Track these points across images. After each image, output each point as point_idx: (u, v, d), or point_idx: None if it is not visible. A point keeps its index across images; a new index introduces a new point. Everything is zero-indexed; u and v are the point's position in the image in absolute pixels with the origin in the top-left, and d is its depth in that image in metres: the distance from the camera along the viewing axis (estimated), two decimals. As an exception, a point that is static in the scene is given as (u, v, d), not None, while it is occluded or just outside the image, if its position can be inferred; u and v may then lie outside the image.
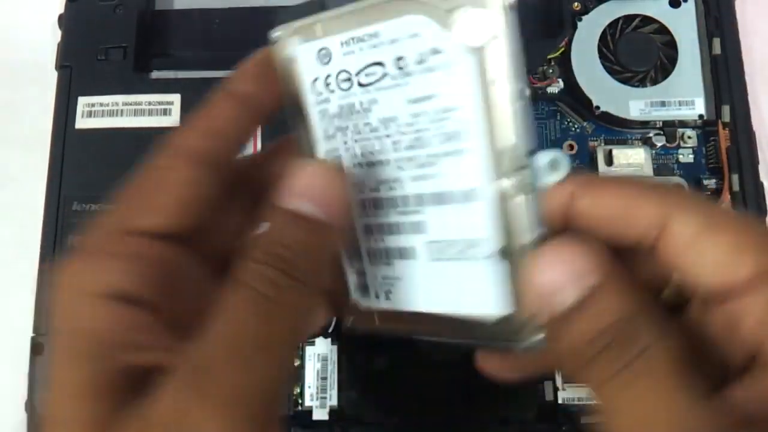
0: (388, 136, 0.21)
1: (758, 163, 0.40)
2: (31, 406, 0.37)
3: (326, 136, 0.21)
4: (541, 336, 0.19)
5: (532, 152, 0.19)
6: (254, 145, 0.40)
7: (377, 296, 0.23)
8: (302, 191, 0.18)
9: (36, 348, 0.38)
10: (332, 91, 0.21)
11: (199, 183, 0.19)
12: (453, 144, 0.20)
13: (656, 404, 0.16)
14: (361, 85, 0.20)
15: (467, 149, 0.19)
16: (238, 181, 0.21)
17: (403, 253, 0.22)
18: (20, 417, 0.38)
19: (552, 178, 0.19)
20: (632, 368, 0.16)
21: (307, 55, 0.21)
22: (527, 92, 0.19)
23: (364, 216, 0.22)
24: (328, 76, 0.21)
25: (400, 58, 0.20)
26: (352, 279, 0.23)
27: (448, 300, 0.21)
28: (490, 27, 0.19)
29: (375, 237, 0.22)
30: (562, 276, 0.17)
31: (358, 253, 0.22)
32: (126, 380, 0.17)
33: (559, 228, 0.19)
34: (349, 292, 0.23)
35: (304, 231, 0.18)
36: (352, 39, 0.20)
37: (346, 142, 0.21)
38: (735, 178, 0.39)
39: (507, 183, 0.19)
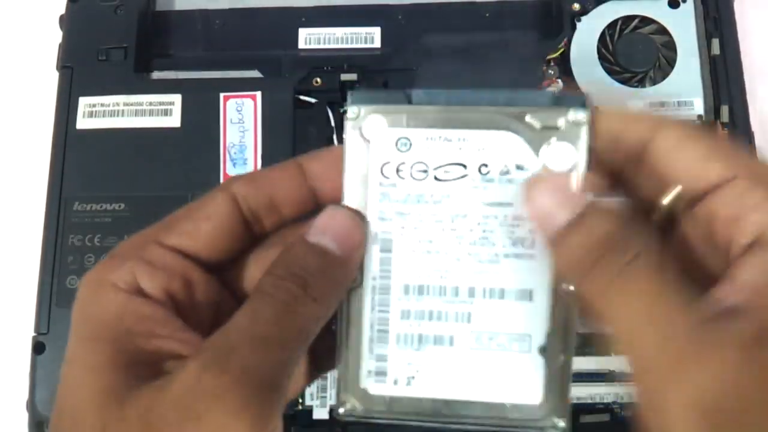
0: (453, 230, 0.22)
1: (757, 163, 0.40)
2: (32, 406, 0.37)
3: (381, 218, 0.23)
4: (562, 424, 0.22)
5: None
6: (254, 164, 0.40)
7: (396, 382, 0.23)
8: (325, 229, 0.21)
9: (37, 348, 0.38)
10: (402, 178, 0.22)
11: (233, 221, 0.22)
12: (519, 249, 0.22)
13: (648, 307, 0.18)
14: (437, 179, 0.22)
15: (532, 255, 0.22)
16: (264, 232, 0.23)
17: (440, 340, 0.23)
18: (21, 417, 0.38)
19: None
20: (625, 274, 0.18)
21: (387, 139, 0.22)
22: None
23: (403, 300, 0.23)
24: (402, 163, 0.22)
25: (484, 165, 0.22)
26: (367, 365, 0.23)
27: (476, 388, 0.23)
28: (573, 159, 0.21)
29: (411, 322, 0.23)
30: (554, 199, 0.20)
31: (385, 336, 0.23)
32: (143, 362, 0.19)
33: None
34: (358, 379, 0.23)
35: (321, 259, 0.21)
36: (439, 137, 0.22)
37: (404, 227, 0.23)
38: (734, 178, 0.39)
39: (560, 290, 0.22)
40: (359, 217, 0.22)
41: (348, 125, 0.22)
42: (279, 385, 0.19)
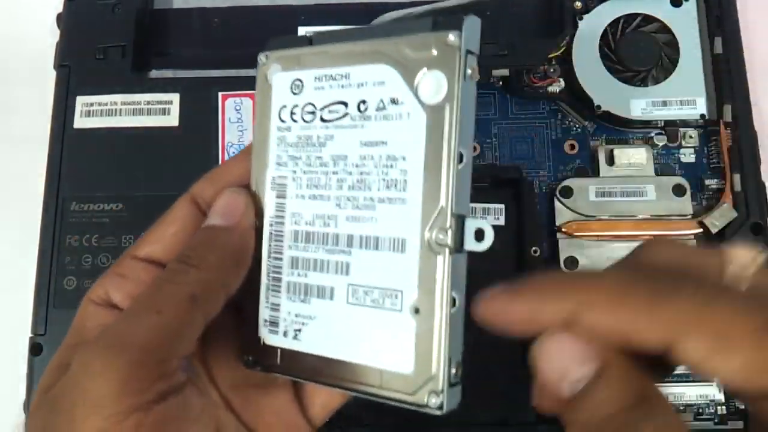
0: (335, 173, 0.22)
1: (760, 162, 0.39)
2: (29, 407, 0.37)
3: (277, 163, 0.23)
4: (434, 401, 0.19)
5: (460, 217, 0.20)
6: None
7: (285, 334, 0.22)
8: (214, 210, 0.23)
9: (34, 349, 0.37)
10: (295, 121, 0.22)
11: (195, 221, 0.24)
12: (392, 192, 0.20)
13: None
14: (323, 120, 0.22)
15: (404, 199, 0.20)
16: None
17: (322, 292, 0.22)
18: (19, 418, 0.38)
19: (476, 247, 0.20)
20: None
21: (283, 82, 0.23)
22: (469, 159, 0.20)
23: (293, 248, 0.22)
24: (296, 106, 0.22)
25: (363, 102, 0.21)
26: (264, 313, 0.23)
27: (353, 348, 0.21)
28: (447, 91, 0.20)
29: (299, 271, 0.22)
30: (563, 361, 0.17)
31: (278, 285, 0.23)
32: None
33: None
34: (257, 327, 0.23)
35: (205, 234, 0.23)
36: (326, 76, 0.22)
37: (295, 172, 0.23)
38: (737, 177, 0.39)
39: (432, 241, 0.20)
40: (244, 190, 0.23)
41: (258, 71, 0.24)
42: (154, 347, 0.20)
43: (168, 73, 0.43)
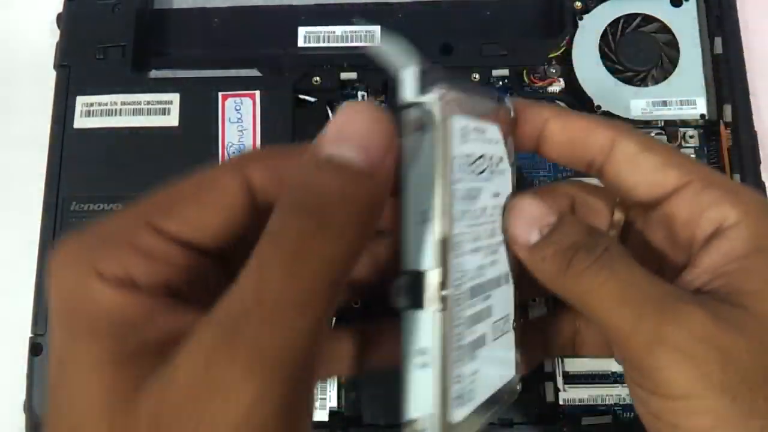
0: (482, 224, 0.21)
1: (760, 162, 0.39)
2: (29, 407, 0.37)
3: (454, 219, 0.19)
4: None
5: None
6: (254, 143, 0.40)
7: (469, 400, 0.20)
8: (340, 134, 0.17)
9: (34, 349, 0.37)
10: (462, 172, 0.19)
11: (246, 211, 0.19)
12: (500, 236, 0.23)
13: (630, 276, 0.21)
14: (477, 172, 0.21)
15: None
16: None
17: (482, 341, 0.21)
18: (19, 418, 0.37)
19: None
20: (600, 260, 0.21)
21: (457, 127, 0.19)
22: None
23: (468, 307, 0.20)
24: (459, 156, 0.19)
25: (491, 157, 0.22)
26: (454, 390, 0.19)
27: (505, 371, 0.24)
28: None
29: (472, 329, 0.20)
30: (528, 220, 0.22)
31: (461, 353, 0.19)
32: (147, 353, 0.17)
33: (531, 148, 0.24)
34: (446, 414, 0.18)
35: (339, 177, 0.16)
36: (478, 129, 0.21)
37: (462, 227, 0.19)
38: (737, 177, 0.39)
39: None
40: (381, 111, 0.17)
41: (431, 106, 0.18)
42: (304, 360, 0.16)
43: (168, 73, 0.43)
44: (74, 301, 0.17)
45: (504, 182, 0.23)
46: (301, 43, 0.43)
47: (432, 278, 0.18)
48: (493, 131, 0.22)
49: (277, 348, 0.15)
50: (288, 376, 0.15)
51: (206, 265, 0.19)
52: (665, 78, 0.41)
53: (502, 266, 0.23)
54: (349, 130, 0.17)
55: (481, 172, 0.21)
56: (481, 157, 0.21)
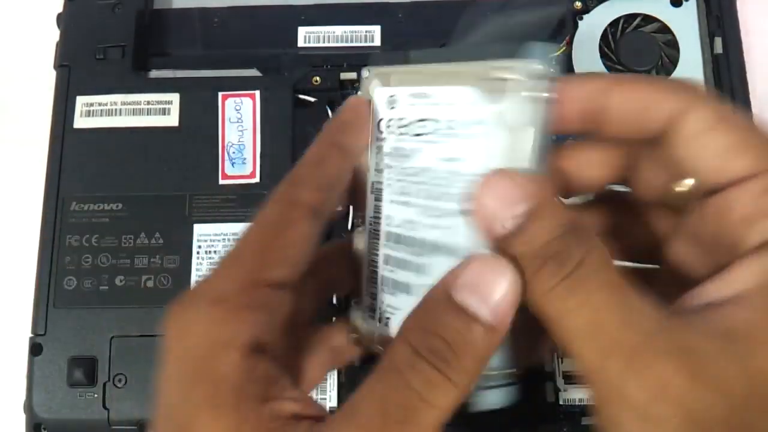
0: (422, 182, 0.23)
1: (760, 162, 0.39)
2: (29, 408, 0.37)
3: (376, 170, 0.24)
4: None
5: None
6: (253, 163, 0.40)
7: (380, 320, 0.24)
8: (474, 286, 0.18)
9: (34, 349, 0.37)
10: (391, 133, 0.24)
11: (316, 236, 0.21)
12: (465, 205, 0.21)
13: (605, 303, 0.17)
14: (415, 134, 0.23)
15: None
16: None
17: (405, 289, 0.23)
18: (19, 418, 0.37)
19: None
20: (573, 277, 0.17)
21: (381, 97, 0.24)
22: None
23: (386, 246, 0.24)
24: (391, 119, 0.24)
25: (450, 119, 0.22)
26: (366, 300, 0.25)
27: None
28: (530, 114, 0.21)
29: (390, 267, 0.24)
30: (498, 203, 0.18)
31: (375, 277, 0.25)
32: (263, 428, 0.18)
33: (581, 129, 0.21)
34: (362, 312, 0.25)
35: (468, 329, 0.18)
36: (419, 93, 0.23)
37: (389, 179, 0.24)
38: (737, 177, 0.39)
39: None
40: (509, 266, 0.18)
41: (361, 85, 0.25)
42: None
43: (168, 74, 0.43)
44: (204, 372, 0.18)
45: (473, 148, 0.21)
46: (301, 43, 0.43)
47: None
48: (447, 94, 0.22)
49: None
50: None
51: (295, 301, 0.20)
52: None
53: (456, 237, 0.22)
54: (485, 285, 0.18)
55: (419, 134, 0.23)
56: (421, 120, 0.23)
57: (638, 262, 0.19)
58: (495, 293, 0.18)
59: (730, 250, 0.18)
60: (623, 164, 0.22)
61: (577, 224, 0.18)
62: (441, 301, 0.18)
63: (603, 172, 0.22)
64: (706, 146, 0.19)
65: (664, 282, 0.21)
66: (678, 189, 0.20)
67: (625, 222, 0.23)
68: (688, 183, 0.20)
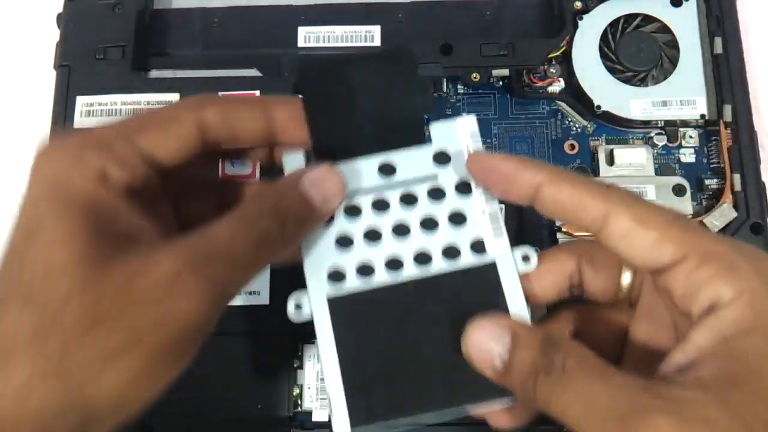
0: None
1: (760, 162, 0.39)
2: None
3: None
4: None
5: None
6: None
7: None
8: (317, 182, 0.24)
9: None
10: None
11: (197, 144, 0.24)
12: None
13: (593, 389, 0.20)
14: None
15: None
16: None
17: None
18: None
19: (526, 269, 0.25)
20: (562, 379, 0.21)
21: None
22: None
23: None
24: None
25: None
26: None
27: None
28: None
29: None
30: (488, 344, 0.23)
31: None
32: (112, 239, 0.21)
33: (527, 202, 0.24)
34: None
35: (304, 208, 0.24)
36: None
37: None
38: (737, 177, 0.39)
39: None
40: (344, 182, 0.25)
41: None
42: (233, 298, 0.22)
43: (168, 73, 0.43)
44: (55, 185, 0.22)
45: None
46: (301, 43, 0.43)
47: None
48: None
49: (226, 286, 0.22)
50: (223, 304, 0.22)
51: (157, 184, 0.24)
52: (665, 78, 0.41)
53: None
54: (324, 183, 0.25)
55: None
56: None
57: (605, 357, 0.22)
58: (330, 190, 0.25)
59: (684, 321, 0.22)
60: (572, 271, 0.26)
61: (551, 338, 0.22)
62: (289, 188, 0.24)
63: (555, 283, 0.26)
64: (632, 244, 0.22)
65: (635, 364, 0.25)
66: (621, 285, 0.25)
67: (587, 321, 0.26)
68: (626, 281, 0.25)
